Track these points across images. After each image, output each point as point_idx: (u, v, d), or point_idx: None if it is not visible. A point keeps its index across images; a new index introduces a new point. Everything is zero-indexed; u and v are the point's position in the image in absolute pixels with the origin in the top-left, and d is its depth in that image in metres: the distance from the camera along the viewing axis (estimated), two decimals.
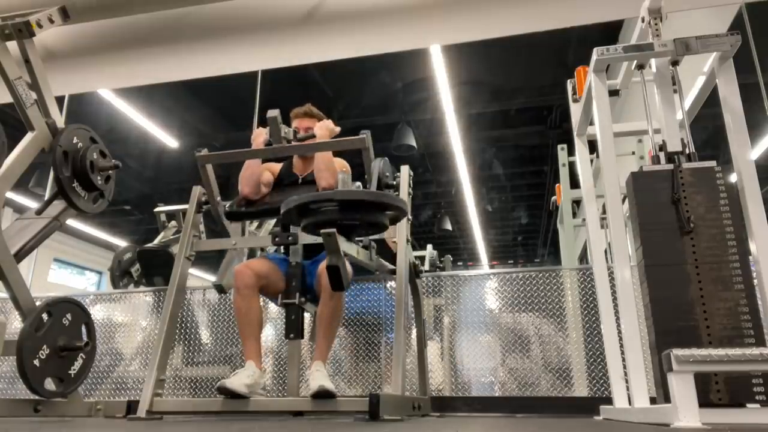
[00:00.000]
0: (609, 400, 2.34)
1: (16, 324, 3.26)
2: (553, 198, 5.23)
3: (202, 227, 3.02)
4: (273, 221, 4.02)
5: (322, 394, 2.00)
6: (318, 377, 2.08)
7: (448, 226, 9.38)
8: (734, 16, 3.60)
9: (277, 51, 4.26)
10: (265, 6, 4.31)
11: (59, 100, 2.51)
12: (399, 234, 2.51)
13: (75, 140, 2.31)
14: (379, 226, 2.06)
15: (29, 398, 2.13)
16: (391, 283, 3.12)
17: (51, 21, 2.45)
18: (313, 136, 2.48)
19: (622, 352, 2.16)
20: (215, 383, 2.41)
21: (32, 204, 6.24)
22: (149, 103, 5.83)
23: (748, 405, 1.73)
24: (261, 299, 2.42)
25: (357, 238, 2.28)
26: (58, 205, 2.32)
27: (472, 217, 9.25)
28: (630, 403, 2.02)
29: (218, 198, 2.51)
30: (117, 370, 3.41)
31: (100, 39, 4.53)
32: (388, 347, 3.04)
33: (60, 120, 2.33)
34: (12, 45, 2.28)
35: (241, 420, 2.15)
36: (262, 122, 2.37)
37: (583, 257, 5.60)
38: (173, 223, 4.14)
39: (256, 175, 2.51)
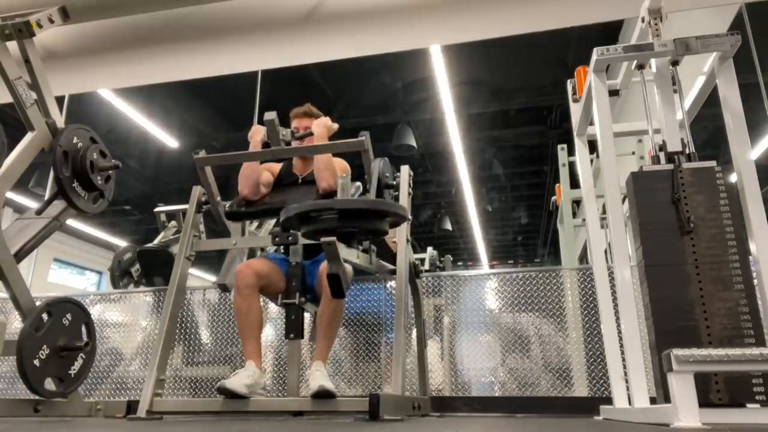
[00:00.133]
0: (609, 400, 2.34)
1: (16, 324, 3.26)
2: (553, 198, 5.23)
3: (202, 227, 3.02)
4: (273, 221, 4.02)
5: (322, 394, 2.00)
6: (318, 377, 2.08)
7: (448, 226, 9.38)
8: (734, 16, 3.60)
9: (277, 51, 4.26)
10: (264, 6, 4.32)
11: (59, 100, 2.51)
12: (399, 234, 2.51)
13: (75, 140, 2.31)
14: (378, 232, 2.07)
15: (29, 398, 2.13)
16: (391, 283, 3.12)
17: (51, 21, 2.45)
18: (311, 134, 2.47)
19: (622, 352, 2.16)
20: (215, 383, 2.41)
21: (32, 204, 6.24)
22: (149, 103, 5.83)
23: (748, 405, 1.73)
24: (261, 299, 2.42)
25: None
26: (58, 205, 2.32)
27: (472, 217, 9.25)
28: (630, 403, 2.02)
29: (218, 198, 2.51)
30: (117, 370, 3.41)
31: (100, 39, 4.53)
32: (388, 347, 3.04)
33: (60, 120, 2.33)
34: (12, 45, 2.28)
35: (241, 420, 2.15)
36: (262, 122, 2.37)
37: (583, 257, 5.60)
38: (173, 223, 4.14)
39: (255, 174, 2.51)
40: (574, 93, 2.79)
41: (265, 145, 2.41)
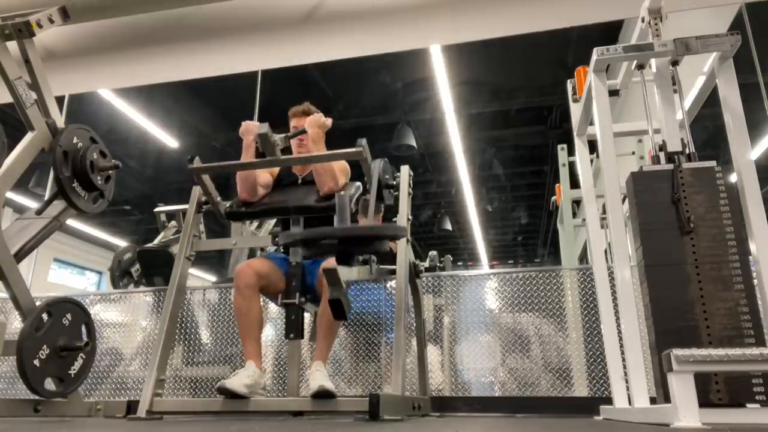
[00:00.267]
0: (609, 400, 2.34)
1: (16, 324, 3.26)
2: (553, 198, 5.23)
3: (202, 227, 3.03)
4: (273, 221, 4.02)
5: (322, 394, 2.00)
6: (318, 377, 2.08)
7: (448, 226, 9.38)
8: (734, 16, 3.60)
9: (277, 51, 4.26)
10: (264, 6, 4.31)
11: (59, 100, 2.51)
12: None
13: (75, 140, 2.31)
14: (379, 252, 2.09)
15: (29, 398, 2.13)
16: (391, 283, 3.12)
17: (51, 21, 2.45)
18: (304, 132, 2.46)
19: (622, 352, 2.16)
20: (215, 383, 2.41)
21: (32, 204, 6.25)
22: (149, 103, 5.83)
23: (748, 405, 1.73)
24: (261, 299, 2.42)
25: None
26: (58, 205, 2.32)
27: (472, 217, 9.25)
28: (630, 403, 2.02)
29: (218, 199, 2.51)
30: (117, 370, 3.41)
31: (100, 39, 4.53)
32: (388, 347, 3.04)
33: (60, 120, 2.33)
34: (12, 45, 2.28)
35: (241, 420, 2.15)
36: (262, 122, 2.36)
37: (583, 257, 5.60)
38: (173, 223, 4.14)
39: (252, 177, 2.50)
40: (574, 93, 2.79)
41: (261, 154, 2.39)
